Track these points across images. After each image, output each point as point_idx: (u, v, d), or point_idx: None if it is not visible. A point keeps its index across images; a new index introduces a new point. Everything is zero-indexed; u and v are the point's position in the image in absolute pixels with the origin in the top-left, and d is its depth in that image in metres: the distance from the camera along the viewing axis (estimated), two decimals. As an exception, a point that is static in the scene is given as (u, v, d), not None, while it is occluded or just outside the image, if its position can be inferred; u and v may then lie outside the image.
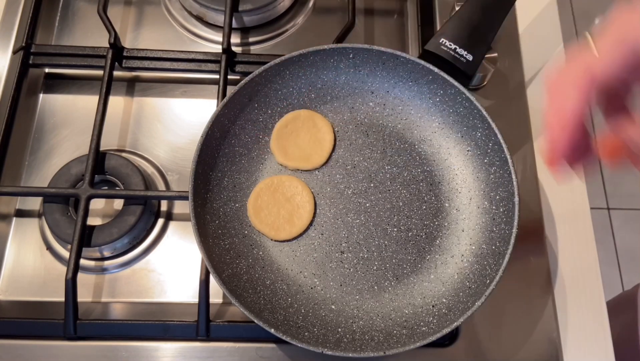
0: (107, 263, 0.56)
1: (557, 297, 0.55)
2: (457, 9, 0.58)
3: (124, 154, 0.59)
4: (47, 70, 0.64)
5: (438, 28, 0.62)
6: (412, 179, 0.55)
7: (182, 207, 0.59)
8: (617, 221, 1.59)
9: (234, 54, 0.62)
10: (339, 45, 0.54)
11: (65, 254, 0.56)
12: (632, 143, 0.36)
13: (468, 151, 0.54)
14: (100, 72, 0.60)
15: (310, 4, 0.70)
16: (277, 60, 0.53)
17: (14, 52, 0.62)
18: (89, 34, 0.66)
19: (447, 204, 0.54)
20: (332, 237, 0.54)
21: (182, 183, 0.60)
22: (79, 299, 0.52)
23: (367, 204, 0.55)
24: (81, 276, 0.53)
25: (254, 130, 0.56)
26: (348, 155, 0.56)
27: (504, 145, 0.50)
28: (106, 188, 0.58)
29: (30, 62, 0.61)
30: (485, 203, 0.53)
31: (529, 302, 0.54)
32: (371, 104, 0.58)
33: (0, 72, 0.61)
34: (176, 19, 0.67)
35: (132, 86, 0.64)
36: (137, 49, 0.62)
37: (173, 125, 0.62)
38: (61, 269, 0.54)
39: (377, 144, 0.57)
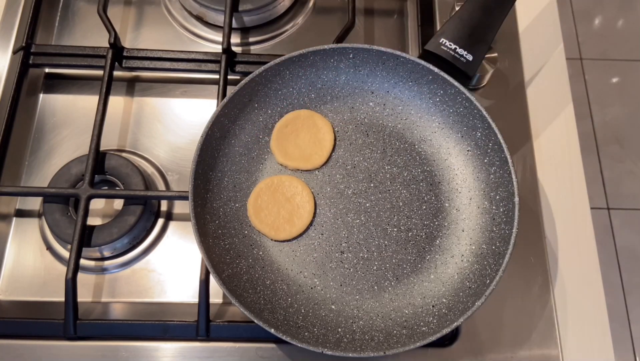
0: (107, 263, 0.56)
1: (557, 297, 0.55)
2: (457, 9, 0.58)
3: (124, 154, 0.59)
4: (47, 70, 0.64)
5: (438, 28, 0.62)
6: (412, 179, 0.55)
7: (182, 207, 0.59)
8: (617, 221, 1.59)
9: (234, 54, 0.62)
10: (339, 45, 0.54)
11: (65, 254, 0.56)
12: None
13: (468, 151, 0.54)
14: (100, 72, 0.60)
15: (310, 4, 0.70)
16: (277, 60, 0.53)
17: (14, 52, 0.62)
18: (89, 34, 0.66)
19: (447, 204, 0.54)
20: (332, 237, 0.54)
21: (182, 182, 0.60)
22: (79, 299, 0.52)
23: (367, 204, 0.55)
24: (81, 276, 0.53)
25: (254, 130, 0.56)
26: (348, 155, 0.56)
27: (504, 145, 0.50)
28: (106, 188, 0.58)
29: (30, 62, 0.61)
30: (485, 203, 0.53)
31: (529, 302, 0.54)
32: (371, 104, 0.58)
33: (0, 72, 0.61)
34: (176, 19, 0.67)
35: (132, 86, 0.64)
36: (137, 49, 0.62)
37: (173, 125, 0.62)
38: (61, 269, 0.54)
39: (377, 144, 0.57)
